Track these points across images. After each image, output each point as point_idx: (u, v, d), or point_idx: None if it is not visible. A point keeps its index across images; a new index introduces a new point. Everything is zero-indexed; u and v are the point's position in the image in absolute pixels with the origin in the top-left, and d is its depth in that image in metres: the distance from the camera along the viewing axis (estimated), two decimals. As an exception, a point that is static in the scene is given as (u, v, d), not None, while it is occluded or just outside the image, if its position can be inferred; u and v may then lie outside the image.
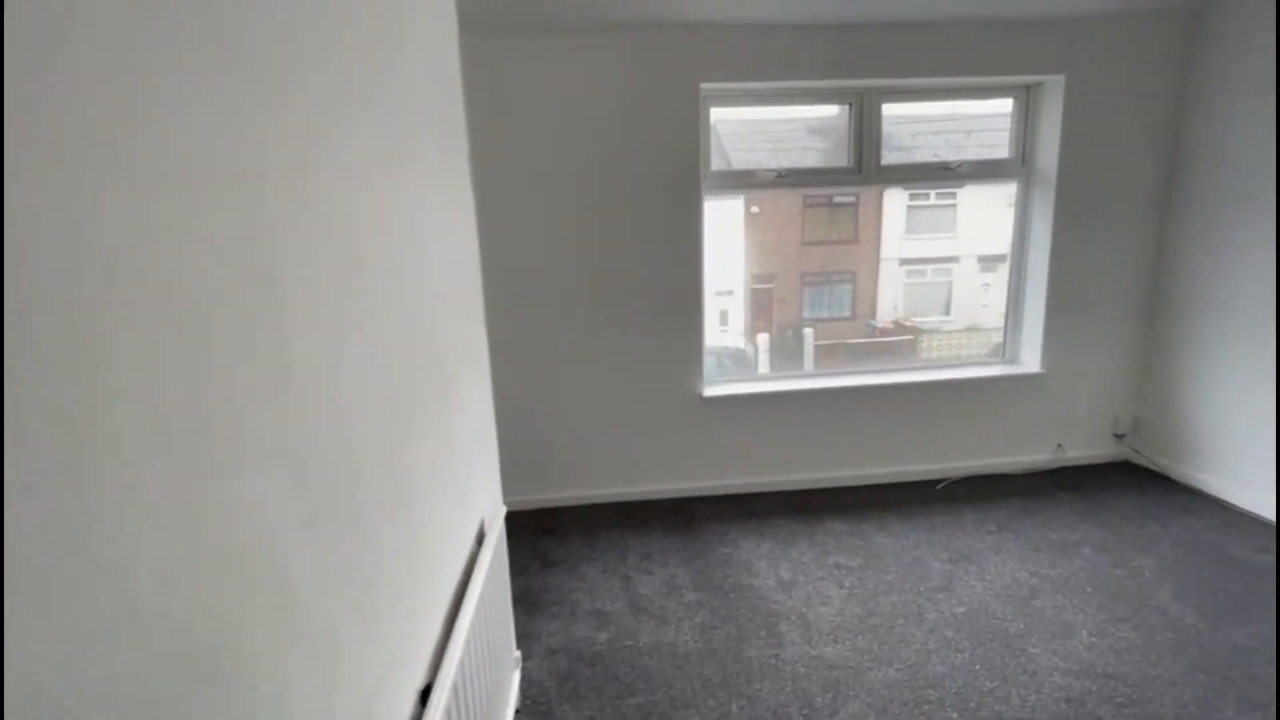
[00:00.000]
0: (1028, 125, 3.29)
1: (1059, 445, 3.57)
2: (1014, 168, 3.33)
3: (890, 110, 3.16)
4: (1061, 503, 3.15)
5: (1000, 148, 3.35)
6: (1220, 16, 2.97)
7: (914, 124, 3.29)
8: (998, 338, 3.40)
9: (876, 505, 3.20)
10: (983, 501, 3.19)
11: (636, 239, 3.06)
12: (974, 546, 2.77)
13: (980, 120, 3.38)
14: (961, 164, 3.26)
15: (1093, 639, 2.16)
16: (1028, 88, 3.24)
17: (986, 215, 2.77)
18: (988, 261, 2.82)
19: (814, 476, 3.43)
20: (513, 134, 2.89)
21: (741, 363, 3.55)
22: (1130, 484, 3.33)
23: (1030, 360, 3.47)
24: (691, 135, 2.98)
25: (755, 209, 3.42)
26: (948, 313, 2.78)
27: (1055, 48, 3.04)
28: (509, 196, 2.95)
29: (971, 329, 2.83)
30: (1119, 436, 3.60)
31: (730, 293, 3.36)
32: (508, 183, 2.94)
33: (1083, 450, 3.60)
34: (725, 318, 3.45)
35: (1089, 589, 2.45)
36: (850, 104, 3.16)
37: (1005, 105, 3.30)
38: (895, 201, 2.97)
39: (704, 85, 2.95)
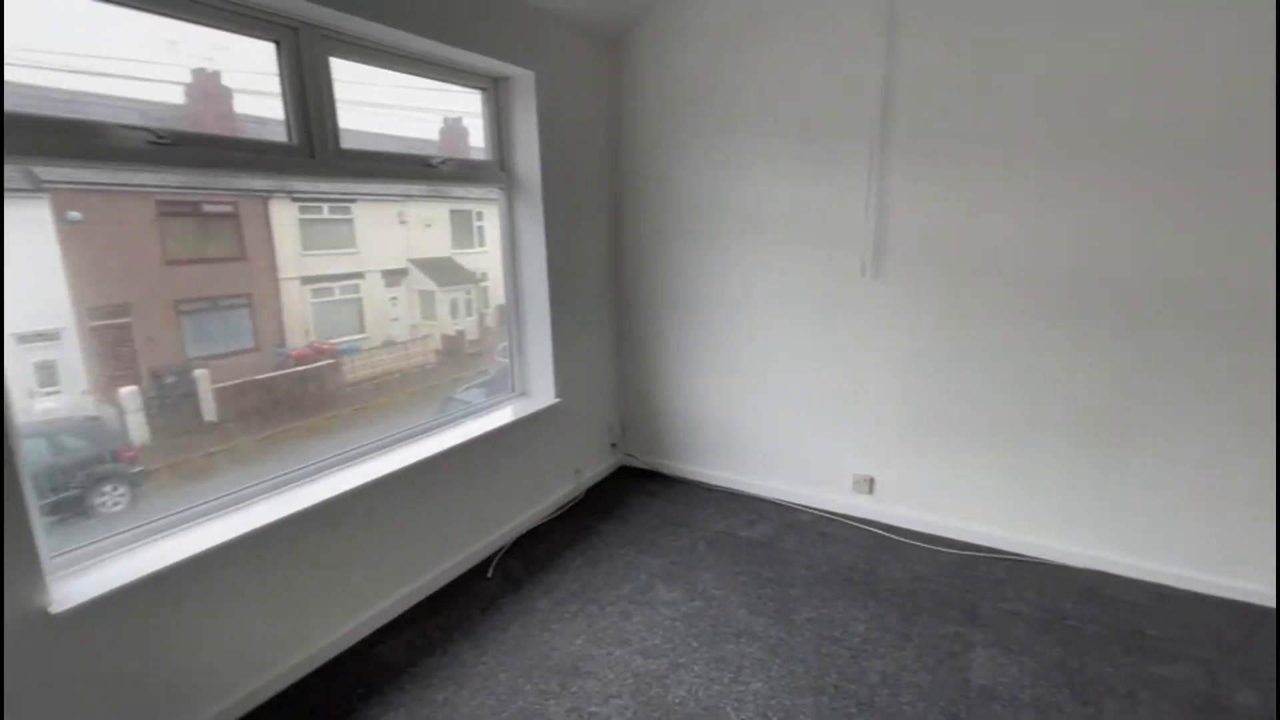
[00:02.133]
0: (502, 126, 2.82)
1: (577, 471, 3.39)
2: (494, 173, 2.82)
3: (347, 86, 2.11)
4: (609, 540, 2.92)
5: (478, 150, 2.79)
6: (628, 48, 3.18)
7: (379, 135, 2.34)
8: (415, 349, 3.01)
9: (433, 643, 2.22)
10: (542, 574, 2.65)
11: None
12: (570, 649, 2.18)
13: (457, 119, 2.72)
14: (446, 161, 2.52)
15: None
16: (497, 81, 2.75)
17: (384, 233, 2.65)
18: (391, 276, 2.71)
19: (327, 642, 2.14)
20: None
21: (99, 437, 2.02)
22: (639, 490, 3.42)
23: (544, 391, 3.11)
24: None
25: (75, 214, 2.04)
26: (362, 329, 2.60)
27: (526, 38, 2.63)
28: None
29: (389, 343, 2.71)
30: (614, 445, 3.70)
31: (53, 336, 2.00)
32: None
33: (592, 469, 3.53)
34: (52, 373, 2.06)
35: (695, 643, 2.21)
36: (280, 43, 1.94)
37: (475, 104, 2.74)
38: (285, 214, 2.43)
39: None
